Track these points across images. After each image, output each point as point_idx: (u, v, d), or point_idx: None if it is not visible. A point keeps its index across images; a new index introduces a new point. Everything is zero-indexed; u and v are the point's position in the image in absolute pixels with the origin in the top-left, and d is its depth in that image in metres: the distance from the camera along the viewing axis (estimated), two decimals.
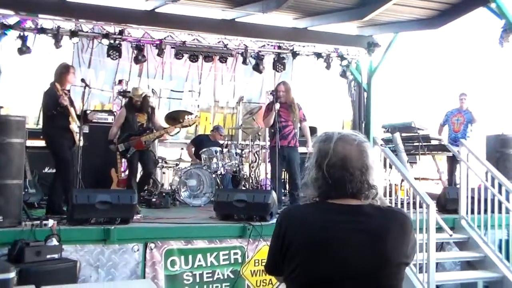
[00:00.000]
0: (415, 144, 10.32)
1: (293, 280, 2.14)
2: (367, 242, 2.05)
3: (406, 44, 12.59)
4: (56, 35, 9.69)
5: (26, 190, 7.60)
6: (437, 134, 10.66)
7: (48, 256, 5.44)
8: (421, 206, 6.26)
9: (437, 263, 6.46)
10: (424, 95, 16.19)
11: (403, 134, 10.26)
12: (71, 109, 7.29)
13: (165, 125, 9.47)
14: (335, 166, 2.10)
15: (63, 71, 7.43)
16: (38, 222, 6.00)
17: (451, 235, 7.07)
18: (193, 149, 10.60)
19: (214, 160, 9.53)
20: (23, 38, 9.58)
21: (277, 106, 8.22)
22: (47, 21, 9.76)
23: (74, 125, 7.32)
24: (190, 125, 9.19)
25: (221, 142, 10.92)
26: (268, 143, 9.49)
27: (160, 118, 10.20)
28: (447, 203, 8.03)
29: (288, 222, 2.19)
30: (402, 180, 7.05)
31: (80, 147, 7.28)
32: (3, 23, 9.34)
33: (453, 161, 10.01)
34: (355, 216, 2.10)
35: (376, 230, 2.08)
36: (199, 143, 10.51)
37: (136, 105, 8.27)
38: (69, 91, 7.65)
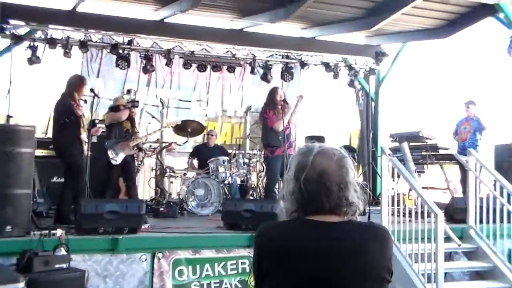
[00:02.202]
0: (423, 153, 10.30)
1: None
2: (346, 259, 2.00)
3: (414, 54, 12.55)
4: (66, 45, 9.78)
5: (35, 199, 7.62)
6: (445, 143, 10.64)
7: (57, 266, 5.45)
8: (429, 216, 6.25)
9: (445, 273, 6.42)
10: (432, 104, 16.14)
11: (411, 144, 10.24)
12: (82, 120, 7.38)
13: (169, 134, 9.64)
14: (312, 180, 2.04)
15: (78, 83, 7.56)
16: (47, 231, 6.00)
17: (459, 245, 7.03)
18: (195, 161, 10.60)
19: (222, 169, 9.54)
20: (33, 49, 9.66)
21: (290, 109, 8.20)
22: (57, 31, 9.86)
23: (84, 135, 7.39)
24: (171, 127, 9.69)
25: (217, 143, 11.02)
26: (262, 152, 9.26)
27: (169, 129, 10.28)
28: (455, 212, 7.99)
29: (263, 243, 2.15)
30: (410, 190, 7.03)
31: (88, 156, 7.32)
32: (14, 33, 9.42)
33: (465, 170, 9.98)
34: (333, 233, 2.04)
35: (354, 247, 2.03)
36: (200, 153, 10.53)
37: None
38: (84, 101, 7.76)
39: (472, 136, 10.21)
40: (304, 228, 2.08)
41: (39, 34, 9.84)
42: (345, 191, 2.05)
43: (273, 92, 8.37)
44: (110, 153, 8.04)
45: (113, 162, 8.07)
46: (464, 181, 10.24)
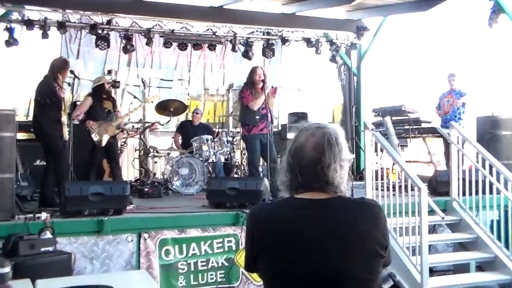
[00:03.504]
0: (405, 127, 10.35)
1: (266, 279, 2.16)
2: (336, 234, 2.04)
3: (395, 27, 12.55)
4: (44, 26, 9.64)
5: (18, 183, 7.56)
6: (427, 117, 10.69)
7: (43, 249, 5.44)
8: (412, 189, 6.29)
9: (429, 246, 6.50)
10: (415, 78, 16.21)
11: (394, 118, 10.29)
12: (63, 102, 7.31)
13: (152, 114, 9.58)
14: (292, 156, 2.12)
15: (62, 65, 7.49)
16: (31, 215, 5.99)
17: (443, 218, 7.13)
18: (180, 137, 10.58)
19: (206, 148, 9.52)
20: (10, 30, 9.52)
21: (267, 90, 8.14)
22: (34, 12, 9.70)
23: (65, 118, 7.32)
24: (151, 102, 9.70)
25: (202, 121, 10.99)
26: (240, 130, 9.26)
27: (151, 108, 10.23)
28: (438, 185, 8.07)
29: (254, 223, 2.20)
30: (394, 164, 7.08)
31: (71, 138, 7.27)
32: None
33: (448, 143, 10.05)
34: (323, 209, 2.08)
35: (344, 222, 2.06)
36: (185, 130, 10.52)
37: (108, 91, 8.39)
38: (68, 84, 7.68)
39: (455, 109, 10.28)
40: (293, 207, 2.12)
41: (15, 15, 9.68)
42: (324, 169, 2.07)
43: (252, 71, 8.33)
44: (94, 136, 7.95)
45: (98, 144, 7.99)
46: (447, 154, 10.34)
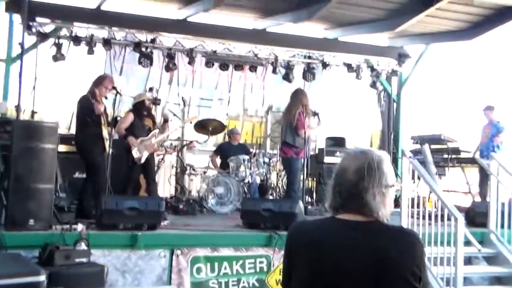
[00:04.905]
0: (444, 156, 10.23)
1: None
2: (369, 257, 2.05)
3: (438, 56, 12.46)
4: (90, 42, 9.89)
5: (57, 194, 7.72)
6: (466, 146, 10.56)
7: (77, 260, 5.53)
8: (449, 219, 6.20)
9: (464, 278, 6.37)
10: (455, 108, 16.01)
11: (432, 146, 10.19)
12: (104, 117, 7.46)
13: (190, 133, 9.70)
14: (335, 178, 2.21)
15: (100, 80, 7.67)
16: (68, 226, 6.10)
17: (479, 250, 6.98)
18: (218, 159, 10.63)
19: (242, 168, 9.56)
20: (58, 46, 9.79)
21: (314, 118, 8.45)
22: (81, 29, 9.98)
23: (106, 132, 7.47)
24: (189, 123, 9.87)
25: (241, 142, 11.04)
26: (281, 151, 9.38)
27: (189, 126, 10.34)
28: (476, 216, 7.91)
29: (292, 238, 2.27)
30: (430, 192, 6.99)
31: (110, 153, 7.40)
32: (40, 31, 9.56)
33: (484, 174, 9.90)
34: (358, 231, 2.12)
35: (379, 246, 2.08)
36: (223, 151, 10.57)
37: (149, 108, 8.49)
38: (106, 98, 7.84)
39: (489, 141, 10.12)
40: (330, 226, 2.20)
41: (64, 31, 9.97)
42: (362, 192, 2.13)
43: (303, 94, 8.53)
44: (135, 153, 8.05)
45: (138, 161, 8.08)
46: (481, 185, 10.18)
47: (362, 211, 2.13)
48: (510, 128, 10.20)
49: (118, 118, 8.56)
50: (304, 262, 2.16)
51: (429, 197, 7.49)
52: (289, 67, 11.50)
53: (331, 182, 2.23)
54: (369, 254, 2.06)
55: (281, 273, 2.34)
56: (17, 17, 9.54)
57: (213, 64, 11.18)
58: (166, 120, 8.87)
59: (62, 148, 8.39)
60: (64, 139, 8.59)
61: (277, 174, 10.41)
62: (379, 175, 2.15)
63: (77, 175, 8.90)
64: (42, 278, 4.17)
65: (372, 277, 2.04)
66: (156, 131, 8.45)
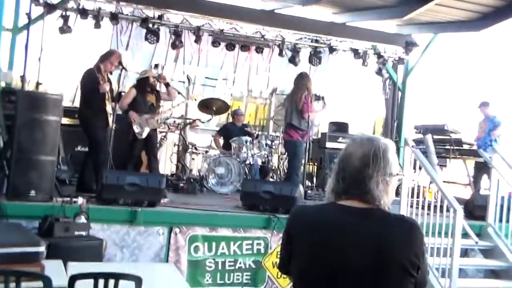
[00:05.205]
0: (446, 147, 10.23)
1: (296, 278, 2.22)
2: (368, 244, 2.07)
3: (445, 46, 12.40)
4: (97, 16, 9.84)
5: (59, 166, 7.73)
6: (469, 138, 10.56)
7: (76, 233, 5.57)
8: (448, 210, 6.22)
9: (460, 269, 6.41)
10: (460, 98, 15.96)
11: (435, 137, 10.18)
12: (108, 92, 7.45)
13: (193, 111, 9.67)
14: (338, 163, 2.21)
15: (106, 56, 7.63)
16: (68, 199, 6.14)
17: (476, 242, 7.01)
18: (221, 139, 10.61)
19: (244, 149, 9.57)
20: (65, 18, 9.75)
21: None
22: (89, 2, 9.91)
23: (110, 107, 7.46)
24: (194, 100, 9.94)
25: (245, 122, 11.00)
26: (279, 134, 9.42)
27: (193, 105, 10.32)
28: (475, 209, 7.93)
29: (292, 222, 2.27)
30: (431, 183, 7.00)
31: (113, 128, 7.40)
32: (47, 2, 9.51)
33: (480, 168, 9.92)
34: (359, 218, 2.13)
35: (378, 233, 2.09)
36: (227, 132, 10.54)
37: (153, 85, 8.42)
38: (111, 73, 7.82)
39: (486, 135, 10.13)
40: (331, 211, 2.19)
41: (71, 4, 9.89)
42: (365, 179, 2.14)
43: (308, 79, 8.53)
44: (136, 128, 8.06)
45: (139, 136, 8.10)
46: (476, 178, 10.21)
47: (364, 198, 2.14)
48: (510, 121, 10.21)
49: (123, 94, 8.56)
50: (304, 247, 2.17)
51: (429, 187, 7.50)
52: (295, 50, 11.44)
53: (334, 167, 2.23)
54: (369, 241, 2.07)
55: (279, 256, 2.34)
56: None
57: (219, 44, 11.13)
58: (167, 85, 8.75)
59: (65, 121, 8.39)
60: (68, 112, 8.59)
61: (279, 157, 10.42)
62: (384, 163, 2.15)
63: (79, 148, 8.92)
64: (42, 249, 4.20)
65: (372, 263, 2.05)
66: (161, 109, 8.46)
